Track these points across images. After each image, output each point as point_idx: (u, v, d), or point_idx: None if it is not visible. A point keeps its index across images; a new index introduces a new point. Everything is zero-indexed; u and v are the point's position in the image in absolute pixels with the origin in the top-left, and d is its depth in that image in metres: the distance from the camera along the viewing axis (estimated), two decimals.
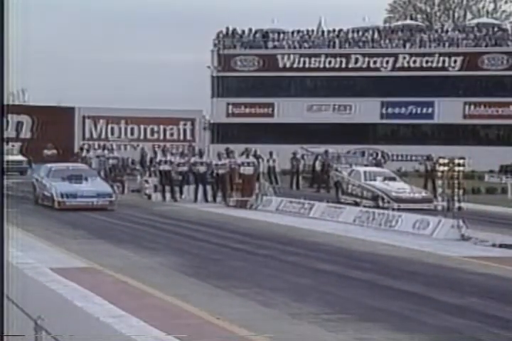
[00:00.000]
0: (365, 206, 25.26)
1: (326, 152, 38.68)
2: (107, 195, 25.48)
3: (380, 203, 26.70)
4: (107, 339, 6.42)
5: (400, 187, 27.87)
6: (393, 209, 23.82)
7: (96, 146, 45.59)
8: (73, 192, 25.08)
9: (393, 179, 28.94)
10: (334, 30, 52.20)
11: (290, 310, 10.88)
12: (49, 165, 28.50)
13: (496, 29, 52.37)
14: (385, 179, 28.45)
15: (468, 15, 62.32)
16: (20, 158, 42.11)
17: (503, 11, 62.90)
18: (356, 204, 26.69)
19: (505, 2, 62.87)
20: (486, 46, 50.52)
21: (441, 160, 23.32)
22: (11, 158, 38.97)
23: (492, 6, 63.53)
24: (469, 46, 50.73)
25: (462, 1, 63.94)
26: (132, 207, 26.47)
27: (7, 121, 46.19)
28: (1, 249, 6.53)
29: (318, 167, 38.42)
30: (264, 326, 9.90)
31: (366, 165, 34.38)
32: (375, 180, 28.31)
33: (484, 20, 55.99)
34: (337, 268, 14.81)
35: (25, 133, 48.97)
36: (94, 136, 50.60)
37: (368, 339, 9.43)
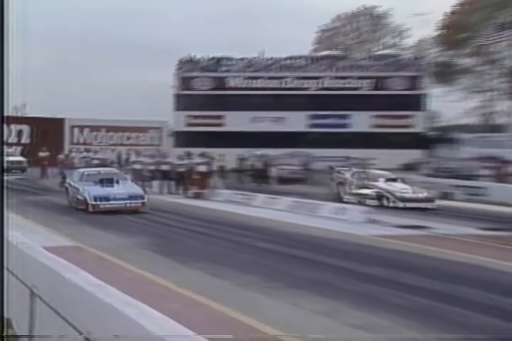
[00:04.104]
0: (369, 205, 22.88)
1: (266, 154, 38.74)
2: (139, 197, 21.69)
3: (385, 203, 23.84)
4: (89, 306, 6.31)
5: (403, 188, 24.46)
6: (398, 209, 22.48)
7: (82, 149, 45.25)
8: (106, 195, 21.38)
9: (394, 180, 25.39)
10: (272, 58, 52.29)
11: (238, 281, 10.85)
12: (81, 170, 24.47)
13: (397, 58, 52.94)
14: (387, 180, 25.05)
15: (377, 47, 62.79)
16: (20, 158, 41.76)
17: (403, 45, 63.47)
18: (360, 203, 23.60)
19: (406, 37, 63.46)
20: (390, 71, 51.03)
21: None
22: (13, 159, 38.68)
23: (395, 40, 64.12)
24: (377, 71, 51.17)
25: (373, 37, 64.41)
26: None
27: (10, 130, 45.96)
28: (2, 231, 6.39)
29: (259, 166, 38.46)
30: (218, 293, 9.87)
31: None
32: (377, 181, 25.02)
33: (389, 51, 56.49)
34: (276, 246, 14.77)
35: (25, 139, 48.37)
36: (81, 141, 50.16)
37: (300, 303, 9.43)
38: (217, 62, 52.15)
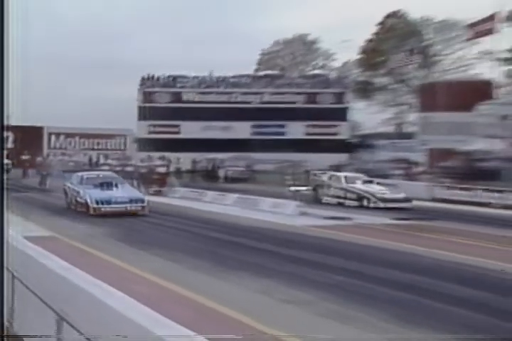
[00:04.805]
0: (349, 206, 21.49)
1: (215, 157, 38.78)
2: (140, 201, 19.07)
3: (365, 203, 21.52)
4: (61, 287, 6.30)
5: (381, 189, 22.08)
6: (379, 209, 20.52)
7: (59, 153, 44.68)
8: (107, 198, 18.83)
9: (371, 182, 22.89)
10: (221, 76, 52.27)
11: (189, 265, 10.85)
12: (80, 173, 21.50)
13: (326, 77, 53.50)
14: (364, 182, 22.64)
15: (308, 68, 63.20)
16: (6, 161, 41.01)
17: (331, 66, 64.00)
18: (340, 204, 21.90)
19: (333, 60, 64.01)
20: (320, 88, 51.52)
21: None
22: None
23: (324, 62, 64.64)
24: (309, 88, 51.58)
25: (305, 59, 64.88)
26: None
27: None
28: (2, 231, 6.27)
29: (209, 167, 38.44)
30: (174, 276, 9.88)
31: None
32: (354, 183, 22.51)
33: (318, 71, 56.96)
34: (222, 235, 14.76)
35: (10, 144, 47.41)
36: (57, 146, 49.40)
37: (242, 283, 9.51)
38: (174, 79, 51.89)
